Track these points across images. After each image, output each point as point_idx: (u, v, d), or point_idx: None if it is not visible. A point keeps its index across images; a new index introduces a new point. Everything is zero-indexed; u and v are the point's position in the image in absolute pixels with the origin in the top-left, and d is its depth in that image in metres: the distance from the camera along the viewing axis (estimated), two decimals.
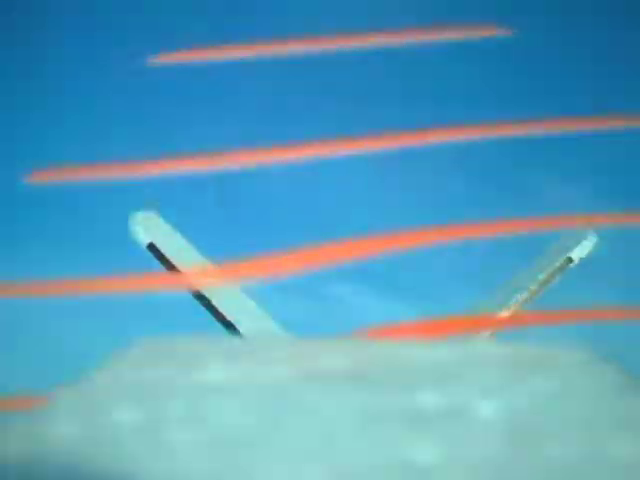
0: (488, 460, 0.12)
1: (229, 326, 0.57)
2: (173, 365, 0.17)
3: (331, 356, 0.19)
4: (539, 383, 0.17)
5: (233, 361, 0.18)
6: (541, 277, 0.58)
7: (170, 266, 0.56)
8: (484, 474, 0.12)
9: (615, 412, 0.15)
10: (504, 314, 0.63)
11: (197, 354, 0.18)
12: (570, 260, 0.58)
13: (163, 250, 0.57)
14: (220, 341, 0.20)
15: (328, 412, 0.14)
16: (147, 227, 0.58)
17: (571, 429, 0.14)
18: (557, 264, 0.57)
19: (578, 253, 0.58)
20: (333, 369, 0.17)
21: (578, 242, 0.58)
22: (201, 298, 0.58)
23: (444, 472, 0.12)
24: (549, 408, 0.15)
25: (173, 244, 0.59)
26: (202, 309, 0.60)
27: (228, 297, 0.61)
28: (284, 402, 0.15)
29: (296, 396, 0.15)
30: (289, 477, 0.11)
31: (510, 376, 0.17)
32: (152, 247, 0.57)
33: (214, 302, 0.58)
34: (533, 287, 0.58)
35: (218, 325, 0.66)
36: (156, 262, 0.62)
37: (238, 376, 0.17)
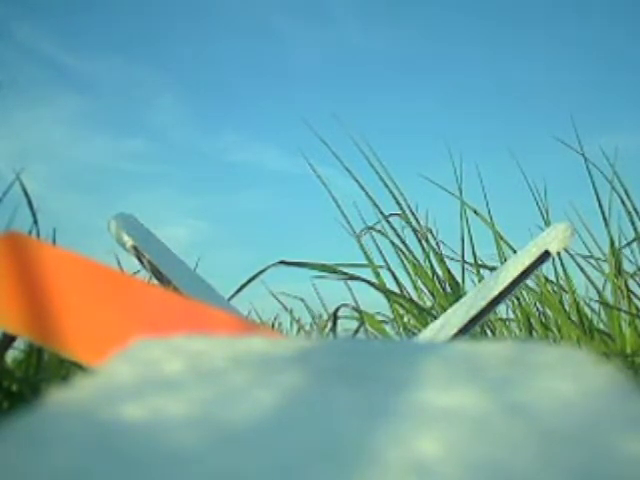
0: (491, 459, 0.12)
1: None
2: (174, 364, 0.17)
3: (332, 355, 0.19)
4: (543, 382, 0.16)
5: (237, 361, 0.18)
6: (518, 271, 0.58)
7: (152, 268, 0.56)
8: (487, 473, 0.12)
9: (624, 411, 0.15)
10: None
11: (199, 353, 0.18)
12: (548, 253, 0.58)
13: (145, 252, 0.56)
14: (222, 341, 0.20)
15: (334, 411, 0.14)
16: (128, 229, 0.57)
17: (578, 428, 0.14)
18: (534, 258, 0.57)
19: (556, 246, 0.58)
20: (335, 368, 0.17)
21: (555, 235, 0.58)
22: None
23: (445, 470, 0.12)
24: (554, 407, 0.15)
25: (153, 246, 0.58)
26: None
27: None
28: (289, 402, 0.15)
29: (301, 395, 0.15)
30: (294, 476, 0.11)
31: (512, 375, 0.17)
32: (134, 249, 0.57)
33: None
34: (510, 281, 0.57)
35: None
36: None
37: (243, 376, 0.17)
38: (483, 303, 0.57)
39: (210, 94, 2.14)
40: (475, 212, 1.34)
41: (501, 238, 1.31)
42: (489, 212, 1.34)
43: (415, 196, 1.36)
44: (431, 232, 1.33)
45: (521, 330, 1.28)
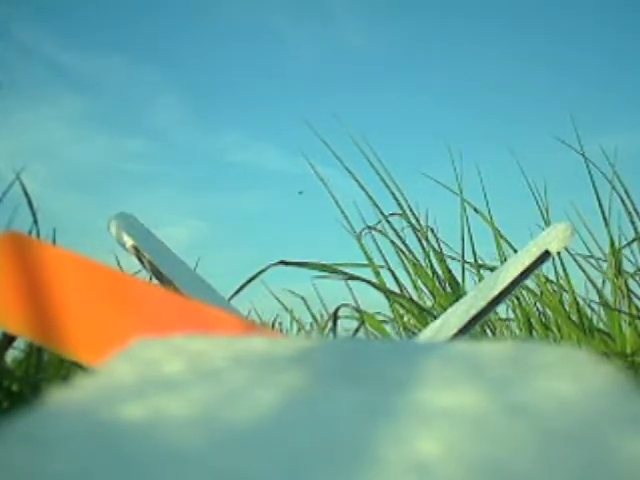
0: (492, 459, 0.12)
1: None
2: (174, 364, 0.17)
3: (332, 355, 0.19)
4: (543, 382, 0.16)
5: (237, 361, 0.18)
6: (518, 271, 0.57)
7: (152, 268, 0.56)
8: (487, 473, 0.12)
9: (624, 411, 0.15)
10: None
11: (199, 353, 0.18)
12: (548, 253, 0.57)
13: (146, 252, 0.56)
14: (222, 341, 0.20)
15: (334, 411, 0.14)
16: (128, 229, 0.57)
17: (578, 428, 0.14)
18: (534, 257, 0.57)
19: (556, 246, 0.57)
20: (336, 368, 0.17)
21: (555, 234, 0.58)
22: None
23: (445, 470, 0.12)
24: (554, 407, 0.15)
25: (153, 246, 0.58)
26: None
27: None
28: (290, 402, 0.15)
29: (302, 395, 0.15)
30: (294, 476, 0.11)
31: (512, 375, 0.17)
32: (134, 249, 0.57)
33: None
34: (510, 281, 0.57)
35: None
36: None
37: (243, 376, 0.17)
38: (483, 303, 0.57)
39: (210, 94, 2.14)
40: (475, 210, 1.34)
41: (501, 237, 1.31)
42: (489, 211, 1.34)
43: (415, 196, 1.36)
44: (432, 231, 1.33)
45: (521, 330, 1.28)
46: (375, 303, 1.31)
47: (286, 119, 2.13)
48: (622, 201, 1.31)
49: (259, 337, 0.20)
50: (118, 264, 0.91)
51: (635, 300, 1.23)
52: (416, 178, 1.43)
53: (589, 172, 1.33)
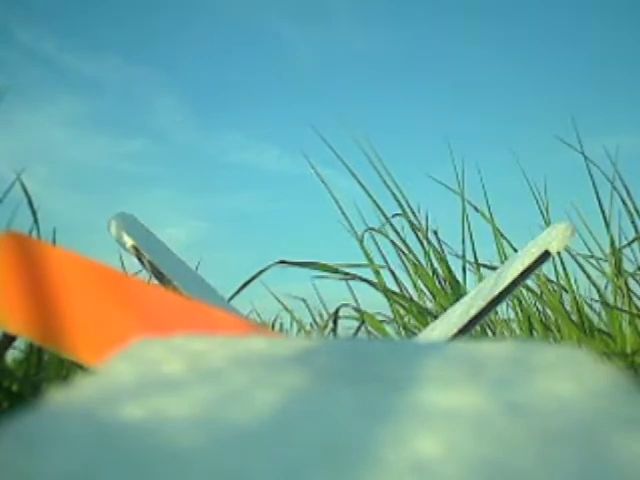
0: (491, 459, 0.12)
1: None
2: (174, 364, 0.17)
3: (333, 355, 0.19)
4: (543, 382, 0.16)
5: (237, 361, 0.18)
6: (518, 271, 0.57)
7: (152, 268, 0.56)
8: (487, 473, 0.12)
9: (624, 411, 0.15)
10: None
11: (199, 353, 0.18)
12: (548, 253, 0.57)
13: (146, 252, 0.56)
14: (222, 341, 0.20)
15: (335, 411, 0.14)
16: (128, 229, 0.57)
17: (578, 428, 0.14)
18: (535, 257, 0.57)
19: (556, 246, 0.57)
20: (336, 368, 0.17)
21: (556, 234, 0.58)
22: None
23: (445, 470, 0.12)
24: (554, 407, 0.15)
25: (153, 246, 0.58)
26: None
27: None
28: (290, 402, 0.15)
29: (302, 395, 0.15)
30: (295, 476, 0.11)
31: (512, 375, 0.17)
32: (134, 249, 0.57)
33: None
34: (510, 281, 0.57)
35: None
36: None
37: (243, 376, 0.17)
38: (483, 303, 0.57)
39: (210, 94, 2.14)
40: (475, 209, 1.34)
41: (501, 235, 1.31)
42: (489, 211, 1.34)
43: (416, 196, 1.36)
44: (435, 233, 1.33)
45: (521, 330, 1.28)
46: (375, 303, 1.31)
47: (286, 119, 2.13)
48: (623, 201, 1.31)
49: (259, 337, 0.20)
50: (119, 264, 0.91)
51: (635, 299, 1.24)
52: (417, 179, 1.43)
53: (589, 172, 1.33)
